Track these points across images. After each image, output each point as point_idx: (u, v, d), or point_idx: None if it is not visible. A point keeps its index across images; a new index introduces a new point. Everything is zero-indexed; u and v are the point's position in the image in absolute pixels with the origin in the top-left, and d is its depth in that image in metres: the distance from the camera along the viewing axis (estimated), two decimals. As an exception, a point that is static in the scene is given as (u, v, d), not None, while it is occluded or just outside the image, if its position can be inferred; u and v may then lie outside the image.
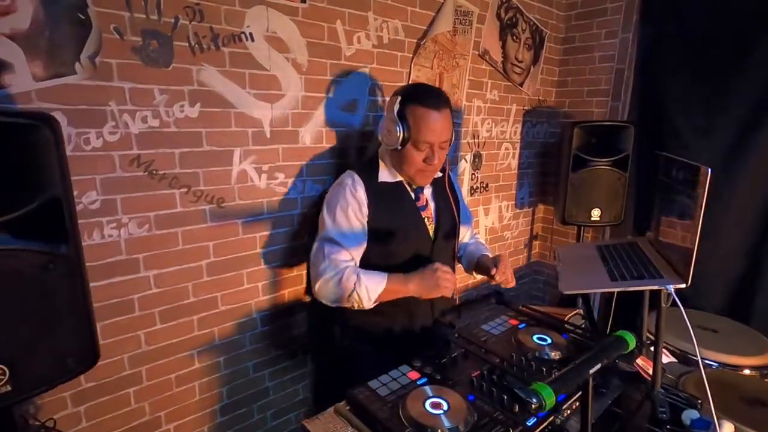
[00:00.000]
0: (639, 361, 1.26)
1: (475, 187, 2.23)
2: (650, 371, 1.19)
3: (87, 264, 0.85)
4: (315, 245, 1.27)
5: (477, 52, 2.01)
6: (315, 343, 1.70)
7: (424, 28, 1.75)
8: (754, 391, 1.27)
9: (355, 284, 1.17)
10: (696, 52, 1.97)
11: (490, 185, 2.31)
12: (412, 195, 1.31)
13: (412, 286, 1.18)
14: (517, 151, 2.41)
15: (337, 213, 1.23)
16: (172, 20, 1.17)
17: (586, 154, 2.10)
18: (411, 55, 1.74)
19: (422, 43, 1.75)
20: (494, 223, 2.40)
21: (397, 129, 1.17)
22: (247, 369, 1.54)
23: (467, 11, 1.88)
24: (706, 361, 1.56)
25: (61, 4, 1.02)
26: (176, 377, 1.37)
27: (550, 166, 2.59)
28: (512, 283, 1.31)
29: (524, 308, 1.19)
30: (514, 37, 2.16)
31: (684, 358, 1.58)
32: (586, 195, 2.14)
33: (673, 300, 1.01)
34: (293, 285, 1.59)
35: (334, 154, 1.58)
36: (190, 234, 1.31)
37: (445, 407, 0.89)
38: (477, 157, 2.19)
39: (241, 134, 1.35)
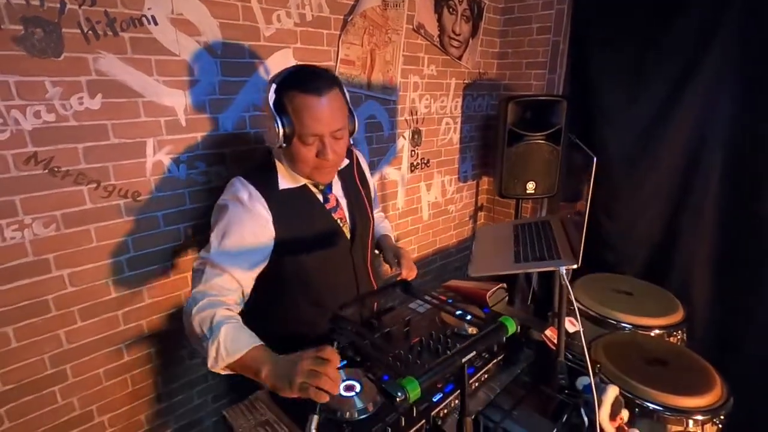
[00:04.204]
0: (548, 332, 1.35)
1: (415, 163, 2.24)
2: (555, 341, 1.30)
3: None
4: (195, 263, 1.04)
5: (411, 27, 1.96)
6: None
7: (351, 2, 1.69)
8: (655, 351, 1.38)
9: (206, 332, 0.90)
10: (621, 28, 2.00)
11: (431, 161, 2.33)
12: (321, 198, 1.16)
13: (265, 370, 0.84)
14: (459, 126, 2.42)
15: (225, 233, 1.02)
16: (58, 5, 1.08)
17: (521, 128, 2.13)
18: (338, 33, 1.68)
19: (350, 19, 1.69)
20: (437, 197, 2.44)
21: (276, 124, 0.98)
22: (182, 357, 1.55)
23: (398, -16, 1.82)
24: (623, 324, 1.70)
25: None
26: (105, 372, 1.37)
27: (492, 139, 2.63)
28: (414, 274, 1.26)
29: (433, 294, 1.16)
30: (451, 10, 2.12)
31: (601, 322, 1.70)
32: (521, 168, 2.19)
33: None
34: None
35: (260, 139, 1.55)
36: (105, 230, 1.28)
37: (358, 389, 0.94)
38: (416, 133, 2.19)
39: (153, 124, 1.30)
